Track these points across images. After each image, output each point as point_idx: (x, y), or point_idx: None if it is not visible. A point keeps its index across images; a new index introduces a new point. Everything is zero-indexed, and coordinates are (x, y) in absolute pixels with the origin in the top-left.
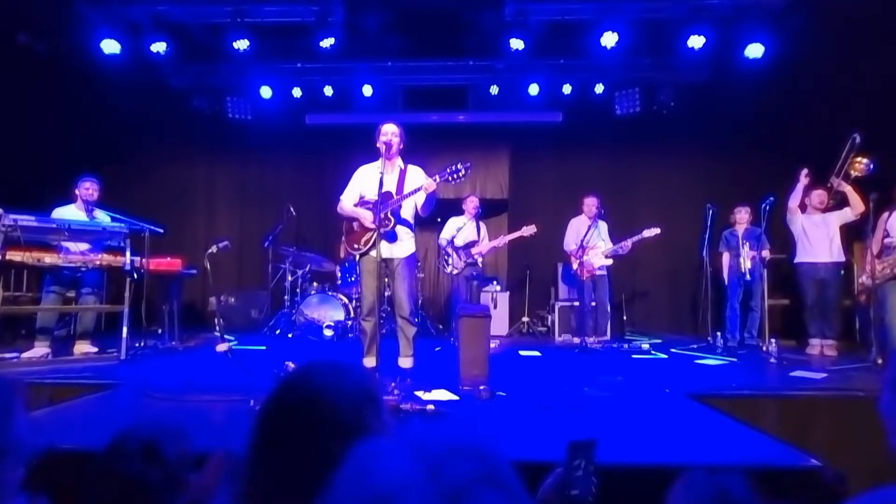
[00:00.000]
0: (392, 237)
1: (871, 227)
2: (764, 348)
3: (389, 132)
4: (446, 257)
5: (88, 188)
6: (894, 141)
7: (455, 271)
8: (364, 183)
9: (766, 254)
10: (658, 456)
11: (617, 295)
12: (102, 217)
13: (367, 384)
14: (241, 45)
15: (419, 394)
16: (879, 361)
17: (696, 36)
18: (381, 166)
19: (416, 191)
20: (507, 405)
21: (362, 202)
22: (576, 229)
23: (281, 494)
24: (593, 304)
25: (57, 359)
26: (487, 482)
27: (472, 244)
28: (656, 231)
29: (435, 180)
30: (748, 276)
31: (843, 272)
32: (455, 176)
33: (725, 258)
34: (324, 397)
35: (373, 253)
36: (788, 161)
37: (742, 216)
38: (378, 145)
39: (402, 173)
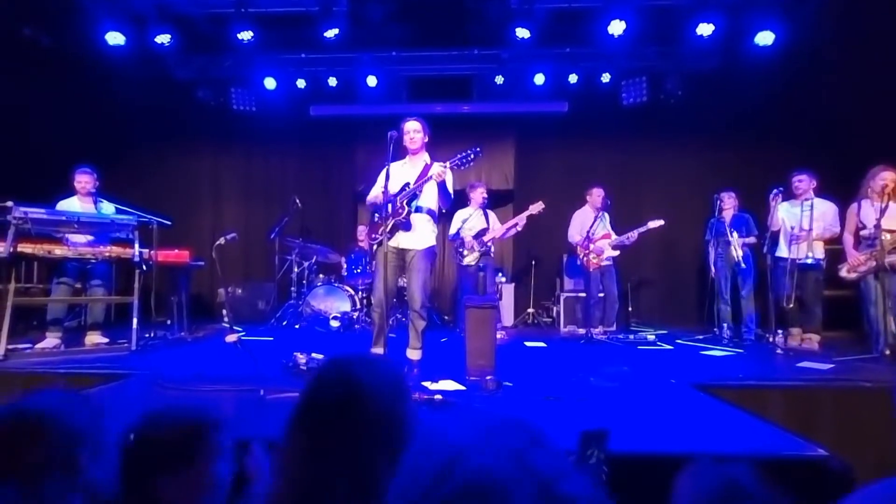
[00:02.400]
0: (407, 226)
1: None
2: (770, 339)
3: (411, 129)
4: (460, 249)
5: (81, 181)
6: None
7: (471, 262)
8: (390, 180)
9: (751, 240)
10: (665, 445)
11: (622, 285)
12: (108, 208)
13: (398, 377)
14: (245, 35)
15: (426, 384)
16: (888, 353)
17: (705, 23)
18: (406, 161)
19: (426, 180)
20: (513, 395)
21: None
22: (580, 221)
23: (324, 486)
24: (601, 294)
25: (69, 350)
26: (537, 445)
27: (483, 232)
28: (660, 223)
29: (445, 167)
30: (743, 264)
31: (824, 263)
32: (467, 160)
33: (711, 248)
34: (362, 392)
35: (390, 244)
36: (798, 151)
37: (727, 202)
38: (405, 144)
39: (426, 168)
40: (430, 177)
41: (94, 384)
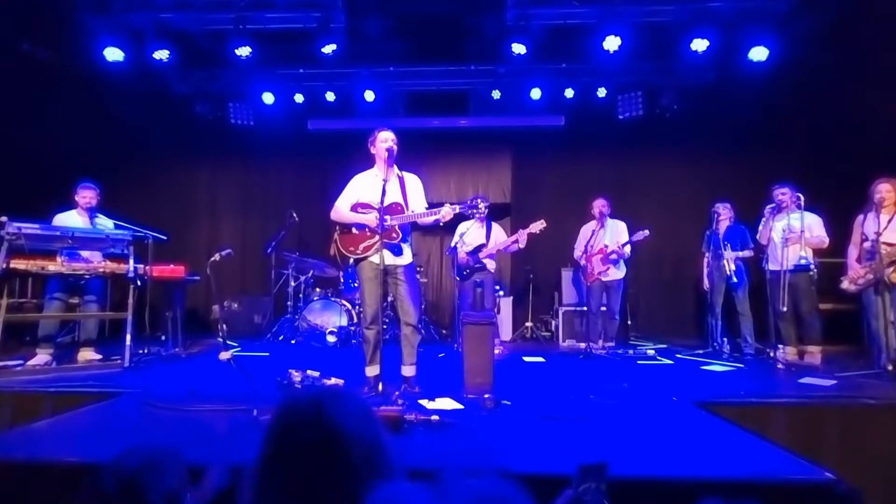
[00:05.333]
0: (397, 250)
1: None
2: (771, 353)
3: (389, 139)
4: (457, 263)
5: (85, 196)
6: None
7: (466, 272)
8: (363, 191)
9: (746, 254)
10: (667, 469)
11: (623, 299)
12: (105, 223)
13: (366, 409)
14: (244, 51)
15: (423, 402)
16: (890, 368)
17: (700, 39)
18: (379, 173)
19: (430, 213)
20: (512, 415)
21: (364, 205)
22: (584, 234)
23: None
24: (602, 308)
25: (60, 366)
26: None
27: (481, 248)
28: (645, 233)
29: (454, 210)
30: (734, 279)
31: (814, 274)
32: (474, 210)
33: (706, 260)
34: (336, 430)
35: (374, 259)
36: (792, 163)
37: (723, 213)
38: (379, 152)
39: (402, 182)
40: (439, 213)
41: (85, 402)
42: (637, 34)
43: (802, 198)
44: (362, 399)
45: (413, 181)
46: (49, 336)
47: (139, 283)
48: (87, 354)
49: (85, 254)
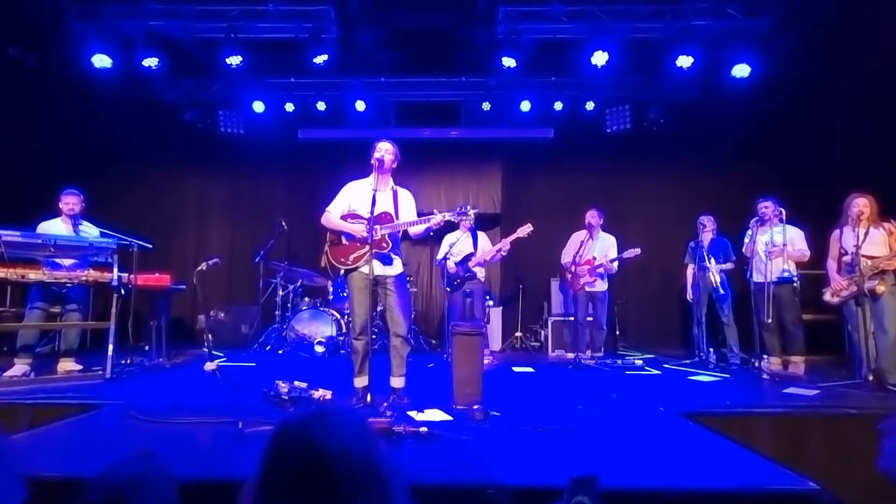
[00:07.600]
0: (387, 260)
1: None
2: (756, 364)
3: (383, 149)
4: (447, 274)
5: (68, 203)
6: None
7: (456, 282)
8: (355, 198)
9: (728, 266)
10: (654, 480)
11: (610, 309)
12: (90, 230)
13: (361, 426)
14: (234, 60)
15: (412, 414)
16: (871, 378)
17: (685, 56)
18: (373, 183)
19: (420, 221)
20: (501, 426)
21: (353, 215)
22: (575, 243)
23: None
24: (589, 318)
25: (39, 377)
26: None
27: (469, 257)
28: (636, 252)
29: (444, 217)
30: (721, 290)
31: (797, 286)
32: (463, 217)
33: (689, 271)
34: (327, 454)
35: (364, 269)
36: (774, 176)
37: (707, 225)
38: (372, 162)
39: (395, 195)
40: (429, 221)
41: (65, 415)
42: (624, 50)
43: (784, 211)
44: (355, 415)
45: (405, 195)
46: (28, 346)
47: (123, 291)
48: (67, 365)
49: (66, 262)
